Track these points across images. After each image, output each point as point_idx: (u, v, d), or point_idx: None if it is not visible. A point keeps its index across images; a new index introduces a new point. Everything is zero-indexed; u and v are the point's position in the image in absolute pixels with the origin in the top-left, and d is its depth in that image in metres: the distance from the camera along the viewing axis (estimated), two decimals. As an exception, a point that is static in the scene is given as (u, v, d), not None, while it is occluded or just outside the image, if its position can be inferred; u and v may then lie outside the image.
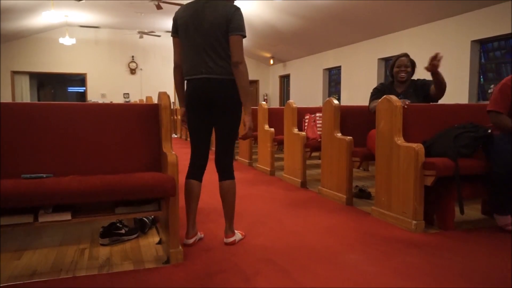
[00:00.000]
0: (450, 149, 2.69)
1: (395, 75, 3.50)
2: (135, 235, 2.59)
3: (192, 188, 2.44)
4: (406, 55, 3.52)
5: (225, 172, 2.44)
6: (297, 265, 2.15)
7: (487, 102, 2.91)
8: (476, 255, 2.30)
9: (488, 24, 7.06)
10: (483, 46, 7.53)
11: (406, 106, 2.98)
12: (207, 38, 2.29)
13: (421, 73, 3.48)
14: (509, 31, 6.67)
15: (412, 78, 3.58)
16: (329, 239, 2.59)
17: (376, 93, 3.57)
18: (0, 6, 9.12)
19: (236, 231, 2.55)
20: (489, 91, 6.86)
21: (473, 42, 7.42)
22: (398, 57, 3.52)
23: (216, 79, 2.31)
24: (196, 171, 2.46)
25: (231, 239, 2.47)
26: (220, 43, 2.28)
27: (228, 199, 2.46)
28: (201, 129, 2.44)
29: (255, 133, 5.82)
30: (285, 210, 3.31)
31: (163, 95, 2.38)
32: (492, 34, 7.04)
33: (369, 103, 3.61)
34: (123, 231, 2.53)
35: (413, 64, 3.53)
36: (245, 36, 2.31)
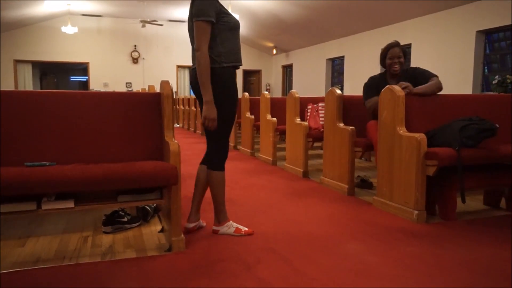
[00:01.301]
0: (455, 139, 2.68)
1: (388, 67, 3.35)
2: (137, 223, 2.61)
3: (199, 173, 2.50)
4: (397, 44, 3.35)
5: (210, 162, 2.42)
6: (298, 254, 2.16)
7: (491, 93, 2.89)
8: (478, 245, 2.31)
9: (494, 15, 6.99)
10: (488, 37, 7.46)
11: (408, 91, 2.93)
12: (189, 30, 2.35)
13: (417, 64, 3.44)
14: (515, 21, 6.60)
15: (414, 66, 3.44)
16: (330, 228, 2.60)
17: (368, 90, 3.43)
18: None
19: (235, 226, 2.47)
20: (493, 82, 6.81)
21: (478, 32, 7.35)
22: (389, 47, 3.34)
23: (193, 69, 2.33)
24: (205, 156, 2.50)
25: (213, 228, 2.49)
26: (193, 33, 2.27)
27: (210, 188, 2.45)
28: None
29: (257, 123, 5.81)
30: (287, 200, 3.32)
31: (165, 84, 2.37)
32: (498, 25, 6.97)
33: (364, 101, 3.49)
34: (125, 219, 2.55)
35: (405, 53, 3.36)
36: (207, 21, 2.18)
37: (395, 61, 3.29)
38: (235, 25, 2.33)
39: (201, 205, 2.56)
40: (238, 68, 2.39)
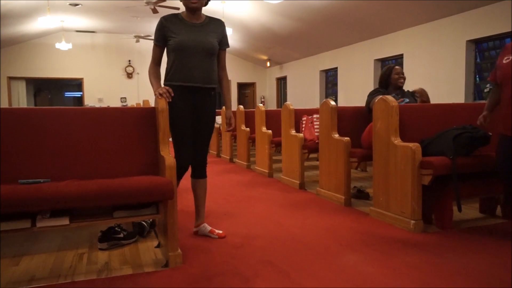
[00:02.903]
0: (449, 148, 2.70)
1: (394, 82, 3.68)
2: (133, 239, 2.59)
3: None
4: (397, 64, 3.89)
5: None
6: (296, 266, 2.15)
7: (483, 101, 2.92)
8: (475, 254, 2.31)
9: (483, 24, 7.09)
10: (478, 46, 7.56)
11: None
12: None
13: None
14: (504, 31, 6.70)
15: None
16: (328, 240, 2.59)
17: (375, 93, 3.66)
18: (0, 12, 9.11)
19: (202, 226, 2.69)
20: (485, 90, 6.88)
21: (468, 41, 7.45)
22: (392, 66, 3.74)
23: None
24: None
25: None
26: None
27: None
28: None
29: (253, 135, 5.82)
30: (284, 212, 3.31)
31: (159, 99, 2.38)
32: (487, 34, 7.06)
33: (368, 104, 3.69)
34: (121, 235, 2.53)
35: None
36: (154, 43, 2.55)
37: (401, 75, 3.70)
38: (177, 46, 2.46)
39: (204, 214, 2.74)
40: (186, 87, 2.48)
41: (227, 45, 2.63)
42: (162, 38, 2.49)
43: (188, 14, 2.51)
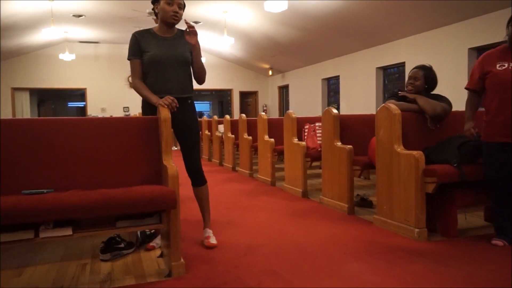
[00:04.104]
0: (454, 156, 2.69)
1: (405, 86, 3.31)
2: (133, 249, 2.58)
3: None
4: (423, 67, 3.26)
5: None
6: (300, 275, 2.13)
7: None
8: (480, 262, 2.29)
9: (485, 32, 7.11)
10: (480, 54, 7.57)
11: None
12: None
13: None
14: (505, 39, 6.72)
15: (432, 92, 3.31)
16: (331, 248, 2.57)
17: (389, 97, 3.33)
18: (0, 25, 9.20)
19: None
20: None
21: (470, 49, 7.46)
22: (414, 68, 3.30)
23: None
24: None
25: None
26: None
27: None
28: None
29: (255, 144, 5.82)
30: (287, 221, 3.30)
31: (162, 108, 2.38)
32: (489, 42, 7.08)
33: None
34: (122, 245, 2.52)
35: (427, 77, 3.22)
36: (129, 59, 2.56)
37: (410, 81, 3.24)
38: (150, 60, 2.51)
39: (208, 219, 2.76)
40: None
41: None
42: (138, 52, 2.52)
43: (161, 28, 2.55)
